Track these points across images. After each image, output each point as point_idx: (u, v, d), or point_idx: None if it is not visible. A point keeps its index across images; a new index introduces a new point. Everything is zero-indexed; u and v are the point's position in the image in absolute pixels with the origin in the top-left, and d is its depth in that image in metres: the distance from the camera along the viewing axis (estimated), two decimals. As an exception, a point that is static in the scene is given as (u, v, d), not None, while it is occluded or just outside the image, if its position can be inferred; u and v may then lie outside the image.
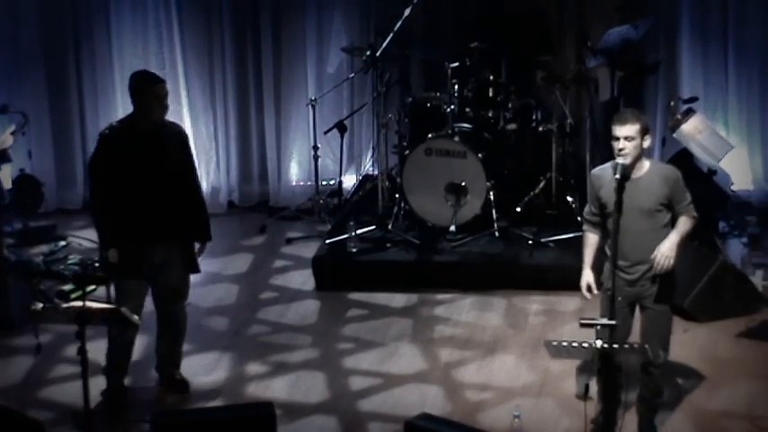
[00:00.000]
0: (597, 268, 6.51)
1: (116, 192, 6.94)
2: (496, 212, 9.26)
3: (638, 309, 6.45)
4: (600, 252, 6.49)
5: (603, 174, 6.36)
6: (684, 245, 6.40)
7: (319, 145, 10.30)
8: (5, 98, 10.37)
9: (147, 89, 6.95)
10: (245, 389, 7.50)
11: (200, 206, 7.28)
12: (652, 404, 6.59)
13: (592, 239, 6.51)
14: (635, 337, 6.48)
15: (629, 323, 6.41)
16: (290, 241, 10.02)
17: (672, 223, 6.30)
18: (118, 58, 10.73)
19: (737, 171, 10.14)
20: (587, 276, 6.45)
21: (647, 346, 5.99)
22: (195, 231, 7.22)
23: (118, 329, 7.08)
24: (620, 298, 6.29)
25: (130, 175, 6.90)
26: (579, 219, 6.60)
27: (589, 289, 6.44)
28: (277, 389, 7.47)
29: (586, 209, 6.54)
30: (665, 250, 6.23)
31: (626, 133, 6.15)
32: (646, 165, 6.28)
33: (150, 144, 6.93)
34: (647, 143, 6.24)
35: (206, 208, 7.37)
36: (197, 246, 7.26)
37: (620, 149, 6.15)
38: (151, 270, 7.10)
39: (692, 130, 9.11)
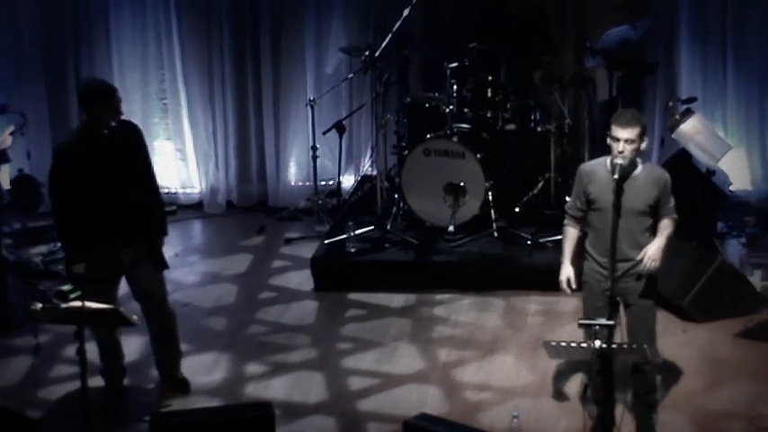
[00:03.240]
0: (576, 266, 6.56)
1: (80, 201, 6.86)
2: (495, 213, 9.25)
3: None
4: (579, 249, 6.52)
5: (594, 170, 6.39)
6: (677, 246, 6.44)
7: (318, 145, 10.29)
8: (5, 98, 10.38)
9: (102, 99, 6.84)
10: (244, 389, 7.51)
11: (158, 200, 7.23)
12: (648, 401, 6.60)
13: (572, 234, 6.56)
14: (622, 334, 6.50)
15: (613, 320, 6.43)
16: (288, 241, 10.02)
17: (654, 227, 6.34)
18: (117, 59, 10.73)
19: (736, 171, 10.14)
20: (567, 271, 6.51)
21: (645, 346, 6.00)
22: (155, 226, 7.16)
23: (101, 331, 7.09)
24: (619, 297, 6.32)
25: (93, 183, 6.83)
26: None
27: (569, 283, 6.48)
28: (276, 389, 7.47)
29: (569, 202, 6.58)
30: (652, 253, 6.28)
31: (627, 136, 6.17)
32: (639, 166, 6.31)
33: (108, 149, 6.84)
34: (644, 145, 6.28)
35: (163, 203, 7.35)
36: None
37: (620, 152, 6.18)
38: (119, 274, 7.07)
39: (691, 130, 9.12)
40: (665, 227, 6.37)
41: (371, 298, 8.81)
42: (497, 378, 7.55)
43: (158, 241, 7.18)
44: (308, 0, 10.67)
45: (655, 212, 6.34)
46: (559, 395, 7.24)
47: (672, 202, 6.39)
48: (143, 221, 7.02)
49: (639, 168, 6.32)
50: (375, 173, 10.25)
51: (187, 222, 10.57)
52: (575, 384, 7.24)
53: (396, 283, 8.94)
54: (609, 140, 6.26)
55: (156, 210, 7.19)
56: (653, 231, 6.36)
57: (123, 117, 7.05)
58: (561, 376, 7.40)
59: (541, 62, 10.00)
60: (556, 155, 9.57)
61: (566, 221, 6.60)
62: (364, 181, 10.65)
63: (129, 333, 7.37)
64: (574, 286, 6.52)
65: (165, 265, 7.22)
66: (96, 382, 7.12)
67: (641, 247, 6.30)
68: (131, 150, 6.98)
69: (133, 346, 7.63)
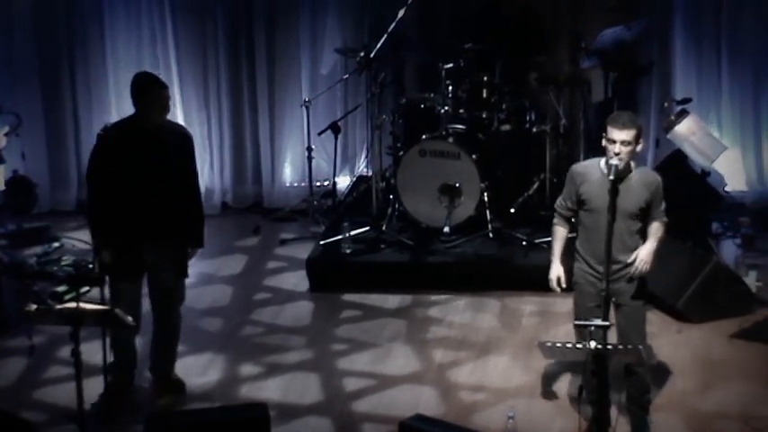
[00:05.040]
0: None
1: (111, 191, 6.93)
2: (490, 213, 9.25)
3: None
4: (567, 250, 6.53)
5: (587, 170, 6.41)
6: (672, 247, 6.45)
7: (313, 146, 10.29)
8: (-1, 99, 10.38)
9: (150, 93, 6.92)
10: (239, 390, 7.50)
11: (197, 209, 7.25)
12: (641, 402, 6.61)
13: (562, 233, 6.59)
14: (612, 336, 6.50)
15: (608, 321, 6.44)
16: (283, 242, 10.01)
17: (643, 230, 6.35)
18: (111, 59, 10.71)
19: (731, 172, 10.15)
20: (557, 270, 6.53)
21: (641, 347, 6.00)
22: (189, 234, 7.20)
23: (113, 330, 7.09)
24: (612, 298, 6.33)
25: (126, 176, 6.89)
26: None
27: (559, 282, 6.49)
28: (271, 390, 7.47)
29: (559, 202, 6.59)
30: (644, 255, 6.31)
31: (623, 138, 6.18)
32: (632, 168, 6.32)
33: (148, 145, 6.91)
34: (639, 147, 6.30)
35: (203, 212, 7.35)
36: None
37: (616, 153, 6.18)
38: (144, 271, 7.09)
39: (686, 131, 9.12)
40: (656, 230, 6.39)
41: (366, 299, 8.81)
42: (492, 379, 7.55)
43: (188, 250, 7.18)
44: (302, 0, 10.67)
45: (645, 216, 6.35)
46: (554, 396, 7.25)
47: (663, 205, 6.40)
48: (171, 223, 7.02)
49: (633, 171, 6.33)
50: (370, 174, 10.25)
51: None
52: (569, 385, 7.25)
53: (391, 284, 8.94)
54: (604, 142, 6.27)
55: (194, 220, 7.20)
56: (642, 235, 6.37)
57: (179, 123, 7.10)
58: (556, 377, 7.40)
59: (537, 63, 10.00)
60: (551, 155, 9.57)
61: (555, 221, 6.62)
62: (359, 182, 10.64)
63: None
64: (564, 285, 6.54)
65: (184, 273, 7.22)
66: (91, 383, 7.08)
67: (630, 249, 6.32)
68: (173, 153, 6.99)
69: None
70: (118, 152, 6.92)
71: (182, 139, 7.13)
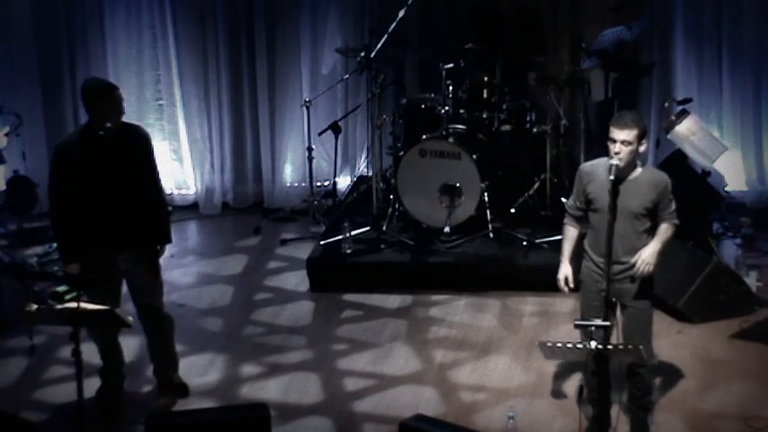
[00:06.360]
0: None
1: (78, 203, 6.82)
2: (491, 213, 9.25)
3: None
4: (578, 249, 6.53)
5: (594, 170, 6.39)
6: (673, 247, 6.43)
7: (314, 146, 10.29)
8: (-1, 99, 10.39)
9: (102, 98, 6.77)
10: (240, 390, 7.50)
11: (161, 208, 7.15)
12: (643, 403, 6.61)
13: (572, 233, 6.57)
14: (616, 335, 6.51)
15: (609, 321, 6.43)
16: (284, 242, 10.01)
17: (652, 231, 6.34)
18: (112, 59, 10.72)
19: (731, 172, 10.16)
20: (565, 270, 6.52)
21: (641, 347, 6.00)
22: (156, 233, 7.10)
23: (98, 335, 7.08)
24: (615, 298, 6.32)
25: (92, 185, 6.78)
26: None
27: (566, 282, 6.49)
28: (271, 390, 7.47)
29: (569, 202, 6.58)
30: (647, 257, 6.28)
31: (623, 137, 6.17)
32: (638, 168, 6.31)
33: (109, 151, 6.79)
34: (642, 147, 6.27)
35: (167, 209, 7.25)
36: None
37: (616, 153, 6.18)
38: (118, 277, 7.03)
39: (686, 131, 9.11)
40: (663, 231, 6.35)
41: (367, 299, 8.81)
42: (493, 379, 7.55)
43: (157, 249, 7.11)
44: (302, 0, 10.67)
45: (653, 216, 6.33)
46: (555, 396, 7.25)
47: (672, 206, 6.36)
48: (142, 226, 6.96)
49: (639, 171, 6.31)
50: (371, 174, 10.25)
51: (183, 223, 10.56)
52: (570, 385, 7.25)
53: (391, 284, 8.94)
54: (608, 141, 6.26)
55: (160, 218, 7.11)
56: (651, 235, 6.35)
57: (134, 123, 7.02)
58: (556, 377, 7.40)
59: (537, 63, 10.00)
60: (551, 156, 9.57)
61: (565, 220, 6.60)
62: (360, 182, 10.65)
63: (125, 334, 7.34)
64: (572, 285, 6.52)
65: (156, 274, 7.16)
66: (92, 383, 7.09)
67: (636, 250, 6.30)
68: (133, 155, 6.90)
69: (129, 347, 7.62)
70: (80, 163, 6.77)
71: (142, 140, 7.01)
